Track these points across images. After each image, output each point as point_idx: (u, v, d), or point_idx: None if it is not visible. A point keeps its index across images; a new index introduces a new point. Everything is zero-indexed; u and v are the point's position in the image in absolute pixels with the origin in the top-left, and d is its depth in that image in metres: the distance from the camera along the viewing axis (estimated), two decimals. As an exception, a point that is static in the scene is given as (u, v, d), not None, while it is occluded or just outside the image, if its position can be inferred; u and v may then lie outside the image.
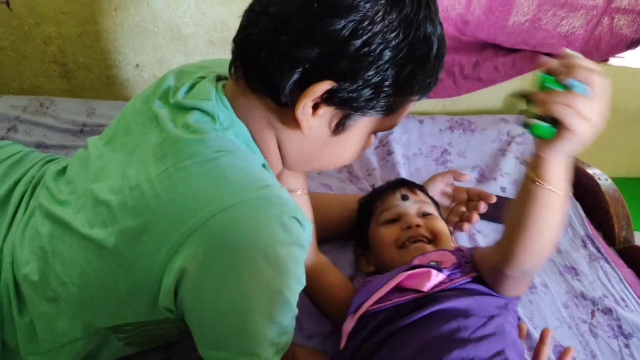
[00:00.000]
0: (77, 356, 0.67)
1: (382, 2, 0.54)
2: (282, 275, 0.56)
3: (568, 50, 0.57)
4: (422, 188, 1.01)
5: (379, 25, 0.54)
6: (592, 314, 0.98)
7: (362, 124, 0.63)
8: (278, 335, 0.59)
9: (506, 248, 0.66)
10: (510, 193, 1.28)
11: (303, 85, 0.56)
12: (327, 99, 0.58)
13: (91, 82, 1.44)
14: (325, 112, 0.60)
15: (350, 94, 0.57)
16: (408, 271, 0.75)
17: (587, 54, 1.40)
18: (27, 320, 0.64)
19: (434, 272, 0.74)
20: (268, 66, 0.57)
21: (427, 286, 0.73)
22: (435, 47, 0.59)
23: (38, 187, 0.73)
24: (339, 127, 0.62)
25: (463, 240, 1.11)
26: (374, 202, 0.97)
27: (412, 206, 0.93)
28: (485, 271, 0.75)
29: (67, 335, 0.64)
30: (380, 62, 0.55)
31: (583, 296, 1.02)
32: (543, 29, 1.40)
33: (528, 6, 1.38)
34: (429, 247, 0.87)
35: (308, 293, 0.85)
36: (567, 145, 0.56)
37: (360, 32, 0.53)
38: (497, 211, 1.17)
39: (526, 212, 0.62)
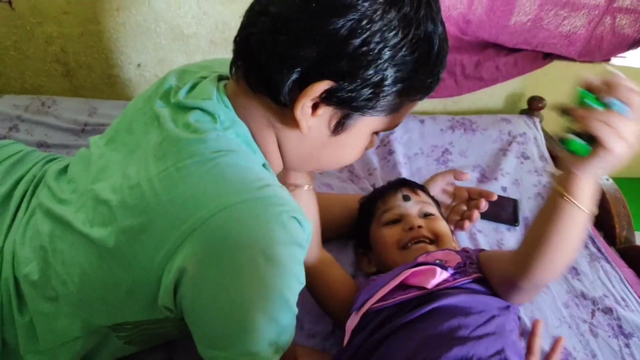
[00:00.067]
0: (76, 355, 0.67)
1: (380, 1, 0.54)
2: (281, 274, 0.56)
3: (610, 68, 0.57)
4: (424, 188, 1.01)
5: (378, 24, 0.54)
6: (593, 313, 0.98)
7: (362, 124, 0.63)
8: (277, 334, 0.59)
9: (524, 260, 0.66)
10: (511, 193, 1.28)
11: (302, 85, 0.56)
12: (326, 98, 0.57)
13: (93, 81, 1.44)
14: (325, 112, 0.59)
15: (350, 94, 0.57)
16: (413, 268, 0.75)
17: (589, 53, 1.41)
18: (27, 319, 0.65)
19: (438, 269, 0.74)
20: (268, 66, 0.57)
21: (432, 283, 0.73)
22: (436, 46, 0.58)
23: (39, 186, 0.73)
24: (339, 127, 0.62)
25: (464, 239, 1.11)
26: (375, 202, 0.97)
27: (413, 207, 0.93)
28: (495, 279, 0.75)
29: (66, 333, 0.65)
30: (380, 61, 0.55)
31: (583, 296, 1.02)
32: (545, 28, 1.40)
33: (530, 6, 1.38)
34: (431, 248, 0.87)
35: (310, 288, 0.85)
36: (601, 164, 0.57)
37: (359, 31, 0.53)
38: (498, 210, 1.19)
39: (550, 226, 0.62)
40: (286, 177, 0.81)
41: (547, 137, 1.51)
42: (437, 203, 1.00)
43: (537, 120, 1.55)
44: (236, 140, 0.62)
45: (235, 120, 0.63)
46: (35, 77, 1.41)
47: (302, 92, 0.56)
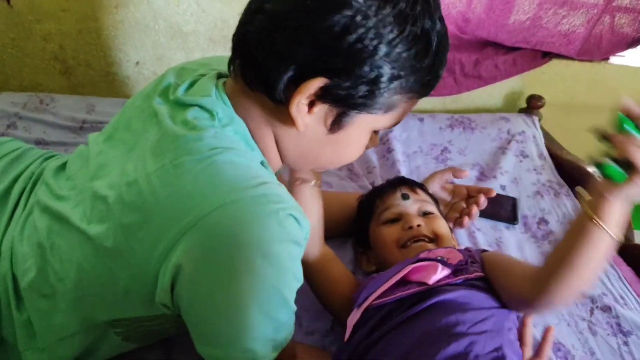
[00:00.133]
0: (75, 351, 0.67)
1: None
2: (278, 272, 0.56)
3: None
4: (423, 186, 1.00)
5: (373, 20, 0.53)
6: (591, 311, 0.98)
7: (360, 122, 0.62)
8: (275, 331, 0.59)
9: (542, 280, 0.66)
10: (510, 191, 1.28)
11: (297, 82, 0.56)
12: (322, 96, 0.57)
13: (91, 79, 1.44)
14: (321, 109, 0.59)
15: (345, 91, 0.56)
16: (415, 263, 0.75)
17: (588, 52, 1.41)
18: (25, 316, 0.65)
19: (440, 265, 0.74)
20: (264, 63, 0.57)
21: (433, 279, 0.73)
22: (434, 43, 0.57)
23: (37, 183, 0.73)
24: (336, 125, 0.61)
25: (463, 237, 1.11)
26: (374, 201, 0.97)
27: (412, 205, 0.93)
28: (506, 294, 0.74)
29: (64, 329, 0.65)
30: (375, 58, 0.54)
31: (582, 294, 1.02)
32: (544, 27, 1.40)
33: (529, 4, 1.38)
34: (431, 246, 0.87)
35: (311, 284, 0.85)
36: (635, 191, 0.57)
37: (354, 27, 0.53)
38: (497, 208, 1.19)
39: (575, 249, 0.62)
40: (294, 171, 0.81)
41: (546, 135, 1.51)
42: (436, 201, 1.00)
43: (536, 118, 1.55)
44: (234, 137, 0.61)
45: (234, 117, 0.63)
46: (34, 74, 1.41)
47: (297, 89, 0.56)
